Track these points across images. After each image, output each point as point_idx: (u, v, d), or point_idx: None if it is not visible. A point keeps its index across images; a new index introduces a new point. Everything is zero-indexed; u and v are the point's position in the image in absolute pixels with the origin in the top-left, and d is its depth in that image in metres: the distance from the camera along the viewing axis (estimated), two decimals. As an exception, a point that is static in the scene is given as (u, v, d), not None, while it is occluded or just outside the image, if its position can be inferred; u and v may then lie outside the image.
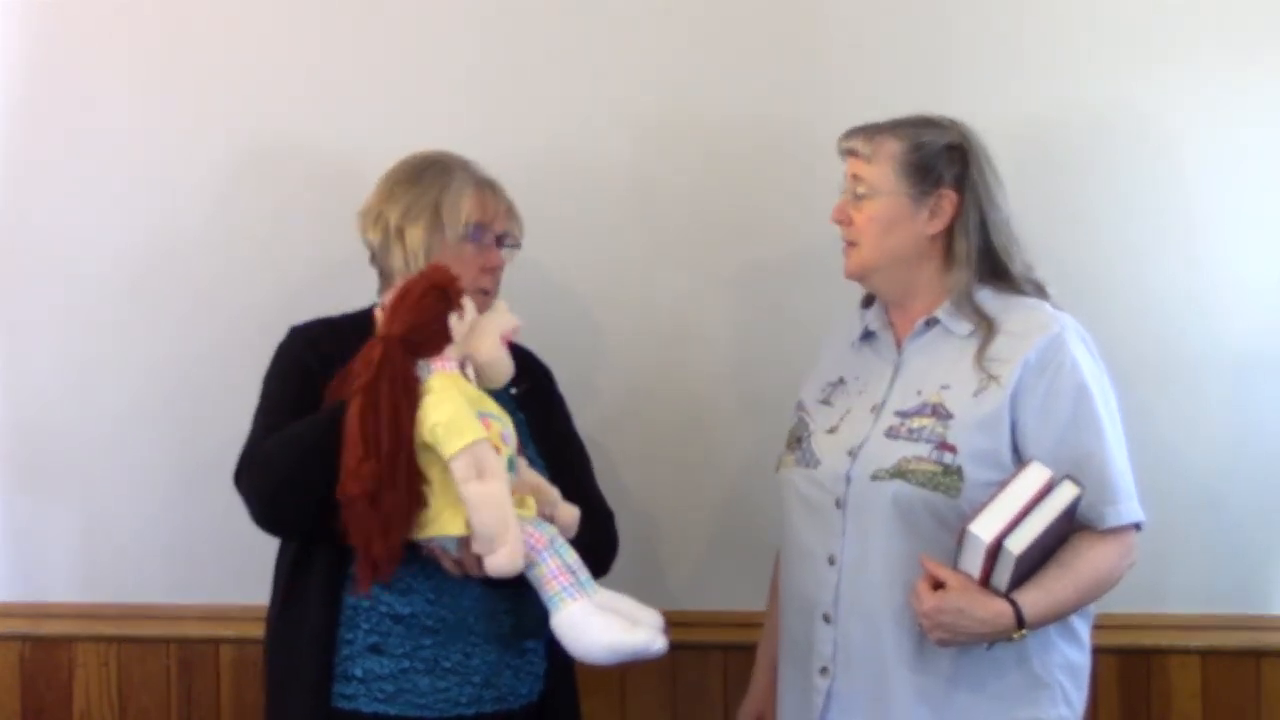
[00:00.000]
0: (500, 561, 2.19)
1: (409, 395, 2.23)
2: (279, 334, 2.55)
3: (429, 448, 2.23)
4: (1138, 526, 2.35)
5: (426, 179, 2.50)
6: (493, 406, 2.30)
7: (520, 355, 2.52)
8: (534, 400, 2.56)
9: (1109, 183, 2.89)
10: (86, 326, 3.08)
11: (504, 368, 2.32)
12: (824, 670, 2.40)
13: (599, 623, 2.20)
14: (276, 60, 3.05)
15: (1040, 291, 2.45)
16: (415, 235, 2.46)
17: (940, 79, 2.89)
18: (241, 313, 3.02)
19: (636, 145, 2.99)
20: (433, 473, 2.24)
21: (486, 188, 2.52)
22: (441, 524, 2.25)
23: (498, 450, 2.24)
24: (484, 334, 2.30)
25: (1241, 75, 2.87)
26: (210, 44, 3.05)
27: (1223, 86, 2.86)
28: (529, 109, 3.00)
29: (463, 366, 2.29)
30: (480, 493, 2.19)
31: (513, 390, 2.50)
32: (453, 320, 2.27)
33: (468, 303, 2.30)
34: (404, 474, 2.21)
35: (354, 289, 2.60)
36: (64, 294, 3.08)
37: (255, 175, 3.05)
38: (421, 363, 2.27)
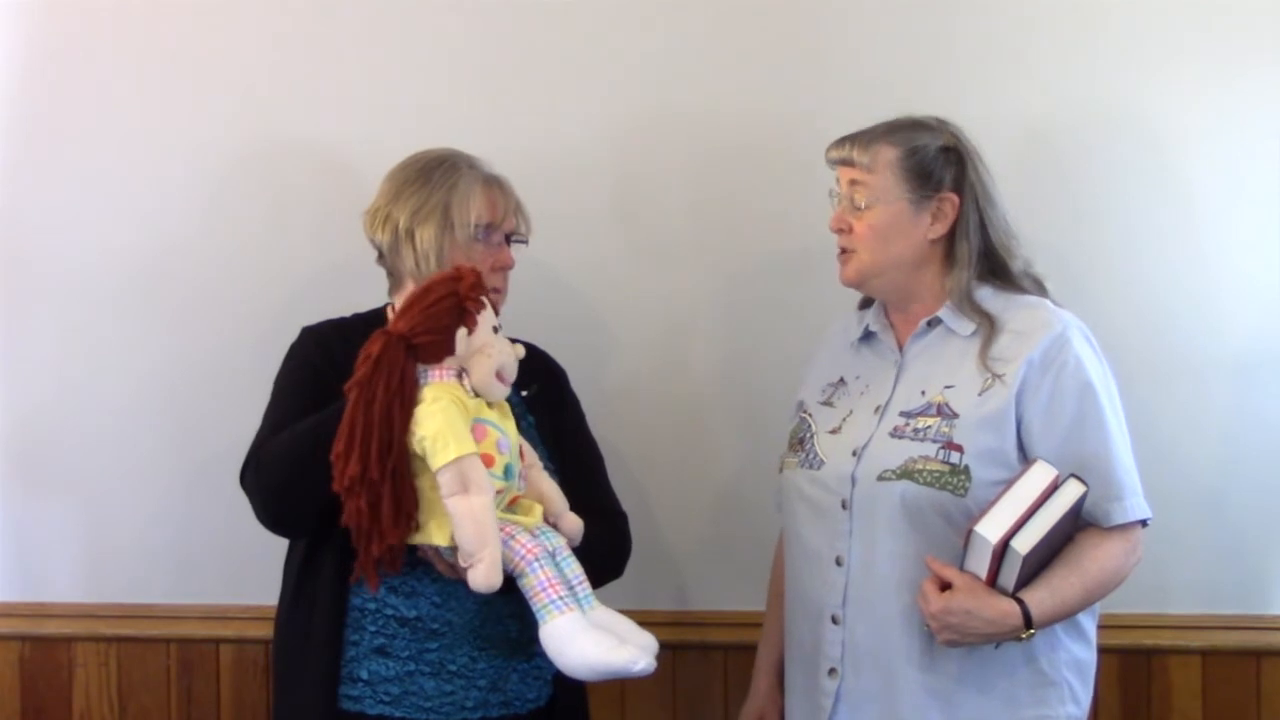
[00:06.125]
0: (477, 577, 2.17)
1: (403, 395, 2.21)
2: (280, 334, 2.56)
3: (420, 457, 2.22)
4: (1144, 523, 2.35)
5: (435, 179, 2.48)
6: (491, 414, 2.28)
7: (533, 355, 2.51)
8: (545, 402, 2.55)
9: (1111, 183, 2.89)
10: (86, 326, 3.08)
11: (494, 395, 2.28)
12: (832, 672, 2.39)
13: (585, 639, 2.17)
14: (276, 60, 3.05)
15: (1040, 287, 2.45)
16: (426, 236, 2.46)
17: (941, 78, 2.89)
18: (241, 313, 3.03)
19: (637, 143, 2.99)
20: (424, 481, 2.23)
21: (494, 186, 2.51)
22: (428, 533, 2.24)
23: (492, 460, 2.22)
24: (483, 360, 2.26)
25: (1243, 77, 2.86)
26: (210, 44, 3.05)
27: (1225, 88, 2.86)
28: (528, 107, 2.99)
29: (460, 376, 2.27)
30: (462, 507, 2.17)
31: (523, 393, 2.49)
32: (460, 335, 2.24)
33: (483, 320, 2.27)
34: (395, 472, 2.19)
35: (355, 289, 2.60)
36: (64, 294, 3.08)
37: (255, 175, 3.05)
38: (421, 367, 2.25)
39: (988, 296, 2.42)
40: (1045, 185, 2.87)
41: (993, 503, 2.24)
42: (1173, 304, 2.89)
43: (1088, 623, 2.40)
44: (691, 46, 2.98)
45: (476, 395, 2.26)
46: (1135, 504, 2.33)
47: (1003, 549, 2.22)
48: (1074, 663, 2.37)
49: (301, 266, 3.01)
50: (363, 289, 2.58)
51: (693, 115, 2.98)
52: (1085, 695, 2.40)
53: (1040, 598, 2.26)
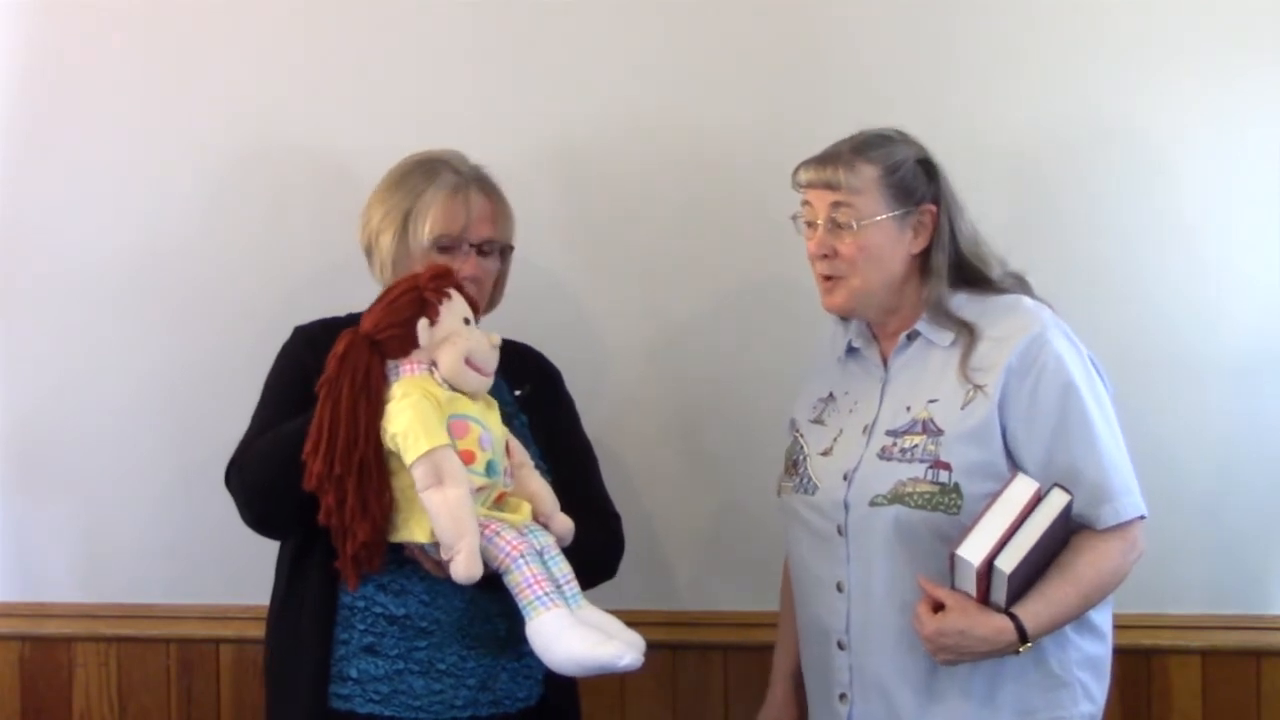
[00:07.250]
0: (457, 569, 2.17)
1: (369, 391, 2.22)
2: (278, 334, 2.56)
3: (397, 455, 2.22)
4: (1141, 516, 2.32)
5: (408, 184, 2.48)
6: (470, 408, 2.26)
7: (527, 356, 2.52)
8: (538, 402, 2.54)
9: (1109, 188, 2.88)
10: (85, 326, 3.08)
11: (468, 384, 2.27)
12: (843, 697, 2.39)
13: (571, 634, 2.16)
14: (277, 60, 3.05)
15: (1021, 283, 2.43)
16: (385, 243, 2.47)
17: (940, 87, 2.89)
18: (240, 313, 3.03)
19: (635, 148, 2.98)
20: (403, 479, 2.23)
21: (464, 194, 2.47)
22: (410, 531, 2.24)
23: (473, 456, 2.22)
24: (449, 349, 2.26)
25: (1242, 77, 2.86)
26: (208, 44, 3.05)
27: (1224, 88, 2.85)
28: (527, 109, 2.99)
29: (431, 369, 2.27)
30: (436, 500, 2.17)
31: (516, 393, 2.49)
32: (421, 325, 2.25)
33: (449, 310, 2.27)
34: (361, 468, 2.20)
35: (354, 289, 2.59)
36: (63, 294, 3.08)
37: (253, 175, 3.05)
38: (392, 363, 2.26)
39: (963, 303, 2.40)
40: (1044, 187, 2.87)
41: (975, 521, 2.21)
42: (1172, 305, 2.88)
43: (1099, 616, 2.37)
44: (691, 51, 2.97)
45: (453, 388, 2.26)
46: (1127, 503, 2.30)
47: (988, 569, 2.20)
48: (1086, 660, 2.35)
49: (300, 267, 3.01)
50: (362, 289, 2.57)
51: (692, 120, 2.97)
52: (1100, 691, 2.38)
53: (1035, 610, 2.24)
